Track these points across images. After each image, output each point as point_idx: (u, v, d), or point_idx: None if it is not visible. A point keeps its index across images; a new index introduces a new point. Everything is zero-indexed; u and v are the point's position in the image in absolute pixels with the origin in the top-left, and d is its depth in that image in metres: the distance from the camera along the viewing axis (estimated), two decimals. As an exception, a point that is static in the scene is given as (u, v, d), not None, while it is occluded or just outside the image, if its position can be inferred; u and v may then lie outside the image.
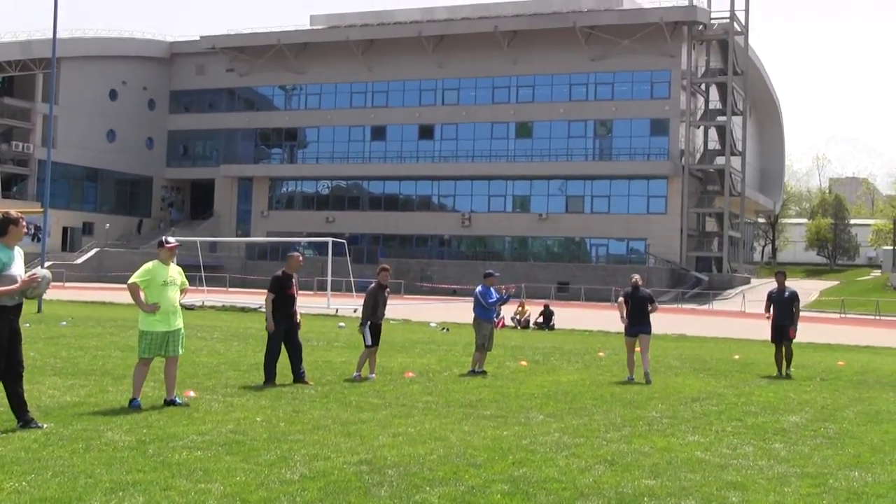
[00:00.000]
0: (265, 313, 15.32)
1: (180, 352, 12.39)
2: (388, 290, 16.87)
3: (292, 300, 15.23)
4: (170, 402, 12.01)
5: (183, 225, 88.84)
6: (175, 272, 12.29)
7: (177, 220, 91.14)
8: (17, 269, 9.71)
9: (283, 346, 15.03)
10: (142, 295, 12.08)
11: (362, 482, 8.06)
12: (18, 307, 9.81)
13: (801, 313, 20.61)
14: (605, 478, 8.59)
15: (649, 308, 17.79)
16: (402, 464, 8.85)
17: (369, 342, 16.25)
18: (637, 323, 17.79)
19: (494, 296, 18.24)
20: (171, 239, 12.51)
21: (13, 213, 9.93)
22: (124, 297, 47.66)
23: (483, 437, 10.49)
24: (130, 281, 12.04)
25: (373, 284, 16.68)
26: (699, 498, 7.91)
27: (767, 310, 19.86)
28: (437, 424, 11.30)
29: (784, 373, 19.03)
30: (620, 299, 18.03)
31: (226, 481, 7.92)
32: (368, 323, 16.30)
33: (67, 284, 62.72)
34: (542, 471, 8.79)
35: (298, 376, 14.91)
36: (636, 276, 18.31)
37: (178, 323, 12.27)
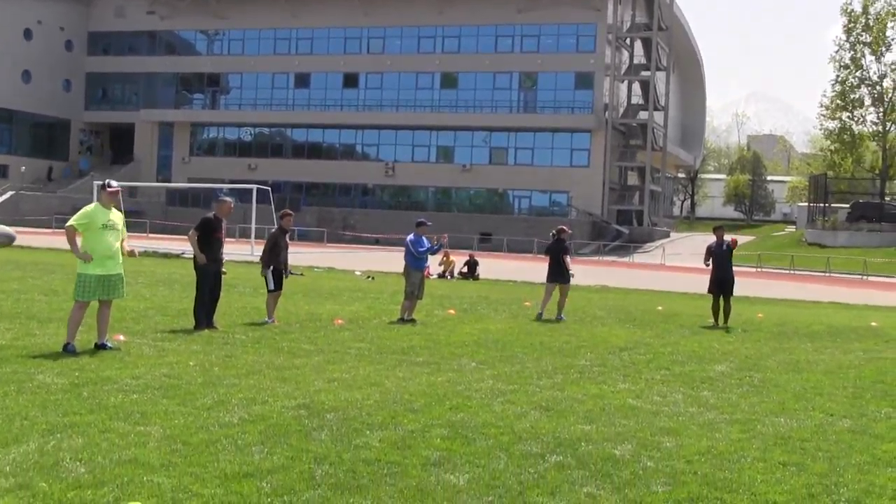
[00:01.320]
0: (193, 251, 15.03)
1: (121, 296, 12.33)
2: (288, 234, 16.87)
3: (219, 244, 15.08)
4: (100, 346, 11.87)
5: (102, 169, 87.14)
6: (116, 217, 12.07)
7: (86, 171, 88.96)
8: None
9: None
10: (78, 240, 11.85)
11: (302, 426, 8.08)
12: None
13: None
14: (542, 423, 8.71)
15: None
16: (340, 408, 8.88)
17: (272, 286, 16.30)
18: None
19: (426, 244, 18.28)
20: (113, 182, 12.25)
21: None
22: (43, 240, 46.83)
23: (418, 384, 10.56)
24: (68, 224, 11.78)
25: (274, 229, 16.64)
26: (635, 443, 8.07)
27: (707, 262, 20.25)
28: (371, 370, 11.34)
29: (721, 324, 19.49)
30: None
31: (165, 424, 7.88)
32: (271, 267, 16.25)
33: (-18, 228, 61.23)
34: (479, 416, 8.88)
35: (209, 321, 14.79)
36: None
37: (118, 268, 12.10)
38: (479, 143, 79.84)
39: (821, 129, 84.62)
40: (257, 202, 45.93)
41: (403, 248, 18.46)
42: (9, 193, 79.30)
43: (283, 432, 7.81)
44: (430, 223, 19.05)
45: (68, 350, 11.54)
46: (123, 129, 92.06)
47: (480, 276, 35.94)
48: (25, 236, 51.21)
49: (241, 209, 63.93)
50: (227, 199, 15.70)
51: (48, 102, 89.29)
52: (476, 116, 79.49)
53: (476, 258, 37.29)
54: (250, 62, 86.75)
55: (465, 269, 36.48)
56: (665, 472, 7.18)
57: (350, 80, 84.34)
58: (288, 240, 16.82)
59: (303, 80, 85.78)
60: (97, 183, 41.71)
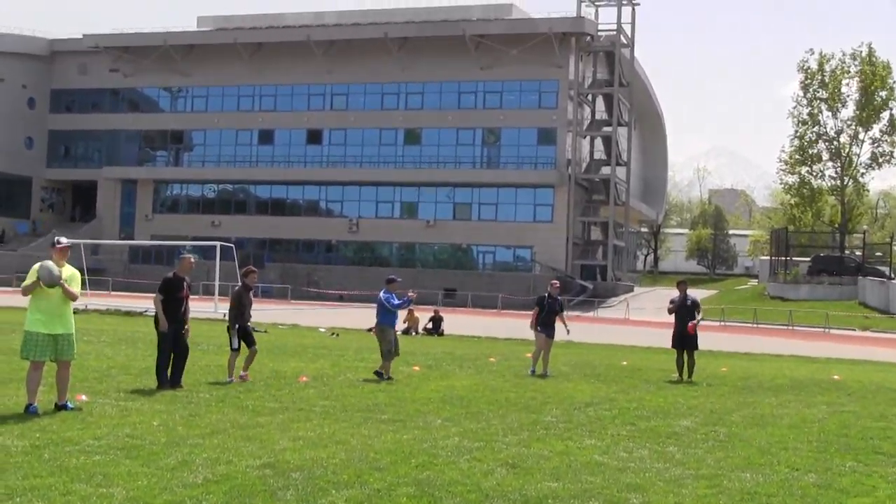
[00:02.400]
0: (156, 313, 14.96)
1: (71, 357, 12.00)
2: (252, 291, 16.78)
3: (180, 303, 14.95)
4: (61, 407, 11.73)
5: (63, 227, 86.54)
6: (66, 274, 11.80)
7: (23, 234, 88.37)
8: None
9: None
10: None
11: (267, 486, 8.01)
12: None
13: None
14: (508, 481, 8.69)
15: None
16: (306, 467, 8.82)
17: (235, 345, 16.18)
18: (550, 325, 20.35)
19: (396, 300, 18.25)
20: (62, 239, 12.13)
21: None
22: (2, 300, 46.30)
23: (384, 441, 10.51)
24: (23, 285, 11.67)
25: (238, 286, 16.57)
26: (602, 500, 8.06)
27: (671, 314, 20.36)
28: (336, 428, 11.29)
29: (685, 379, 19.58)
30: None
31: (127, 486, 7.79)
32: (237, 326, 16.16)
33: (-59, 287, 60.65)
34: (445, 474, 8.85)
35: (175, 380, 14.65)
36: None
37: (67, 327, 11.82)
38: (442, 198, 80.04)
39: (781, 184, 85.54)
40: (221, 259, 45.71)
41: (376, 306, 18.37)
42: (-32, 252, 78.54)
43: (249, 493, 7.74)
44: (400, 279, 19.02)
45: (30, 411, 11.39)
46: (86, 187, 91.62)
47: (445, 332, 35.89)
48: (-15, 295, 50.69)
49: (204, 266, 63.80)
50: (188, 255, 15.61)
51: (10, 159, 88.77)
52: (440, 172, 79.77)
53: (440, 314, 37.26)
54: (214, 119, 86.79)
55: (429, 325, 36.41)
56: (632, 528, 7.17)
57: (314, 137, 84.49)
58: (251, 296, 16.71)
59: (266, 137, 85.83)
60: (83, 242, 41.56)
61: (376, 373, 17.67)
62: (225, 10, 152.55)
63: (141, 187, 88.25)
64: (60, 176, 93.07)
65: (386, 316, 18.15)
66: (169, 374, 14.71)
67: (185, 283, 15.02)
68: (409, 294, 19.04)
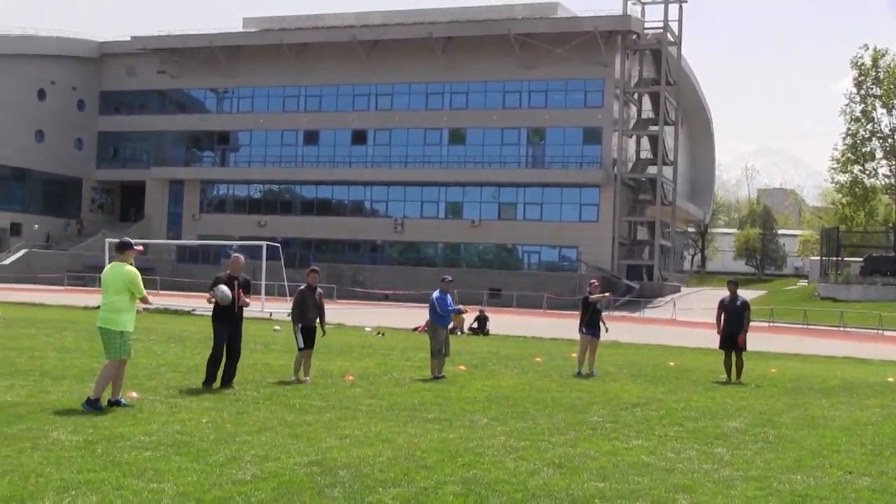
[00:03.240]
0: (217, 297, 14.74)
1: (131, 356, 12.46)
2: (318, 292, 16.67)
3: (232, 304, 14.96)
4: (114, 403, 11.88)
5: (113, 227, 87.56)
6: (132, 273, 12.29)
7: (67, 233, 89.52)
8: None
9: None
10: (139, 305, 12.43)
11: (315, 483, 8.05)
12: None
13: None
14: (555, 480, 8.66)
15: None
16: (353, 465, 8.85)
17: (301, 345, 16.18)
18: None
19: (450, 302, 18.27)
20: (136, 241, 12.50)
21: None
22: (55, 297, 46.89)
23: (430, 440, 10.52)
24: (144, 295, 12.31)
25: (301, 286, 16.59)
26: (649, 500, 8.02)
27: (719, 318, 20.08)
28: (382, 427, 11.31)
29: (733, 380, 19.39)
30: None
31: (178, 481, 7.86)
32: (300, 325, 16.19)
33: (-7, 286, 61.55)
34: (491, 473, 8.84)
35: (226, 381, 14.69)
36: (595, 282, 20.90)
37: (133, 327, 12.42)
38: (487, 198, 80.00)
39: (832, 183, 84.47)
40: (267, 259, 45.99)
41: (428, 305, 18.40)
42: (22, 252, 79.66)
43: (296, 489, 7.78)
44: (451, 279, 18.96)
45: (96, 406, 11.55)
46: (134, 187, 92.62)
47: (490, 332, 35.88)
48: (36, 293, 51.42)
49: (251, 266, 64.10)
50: (238, 255, 15.61)
51: (61, 161, 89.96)
52: (484, 172, 79.74)
53: (486, 313, 37.25)
54: (259, 119, 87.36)
55: (475, 325, 36.42)
56: (681, 529, 7.12)
57: (358, 137, 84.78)
58: (318, 297, 16.61)
59: (312, 137, 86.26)
60: (110, 241, 42.01)
61: (435, 376, 17.70)
62: (270, 12, 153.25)
63: (188, 187, 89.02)
64: (109, 177, 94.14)
65: (437, 316, 18.19)
66: (220, 376, 14.71)
67: (236, 283, 15.02)
68: (462, 308, 18.92)
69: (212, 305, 14.88)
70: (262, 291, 44.68)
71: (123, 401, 12.05)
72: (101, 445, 9.24)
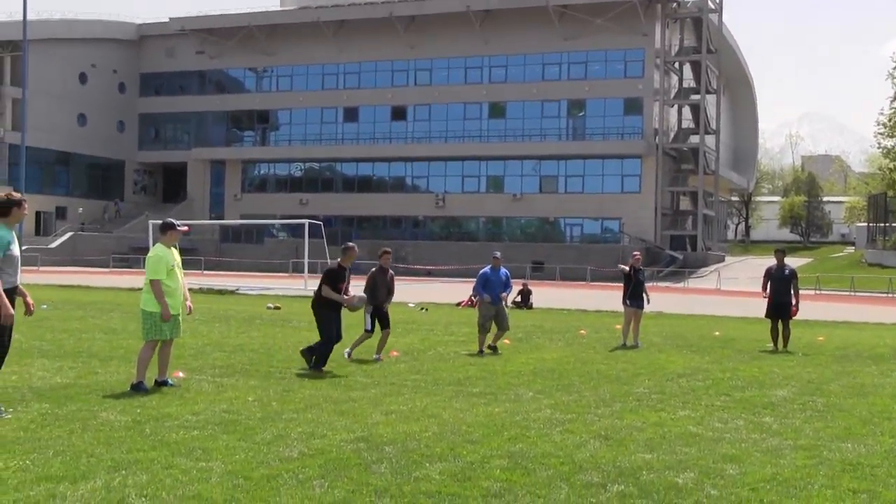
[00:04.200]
0: (333, 299, 14.49)
1: (178, 335, 12.43)
2: (390, 273, 16.43)
3: (339, 292, 14.61)
4: (161, 383, 11.97)
5: (156, 209, 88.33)
6: (178, 256, 12.21)
7: (122, 211, 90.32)
8: (17, 249, 9.64)
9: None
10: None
11: (361, 459, 8.07)
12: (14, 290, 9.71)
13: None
14: (602, 452, 8.63)
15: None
16: (399, 441, 8.86)
17: (368, 327, 15.98)
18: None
19: (502, 280, 18.20)
20: (180, 222, 12.46)
21: (16, 194, 9.83)
22: (101, 280, 47.41)
23: (475, 414, 10.52)
24: (153, 278, 11.78)
25: (373, 268, 16.42)
26: (697, 470, 7.96)
27: (765, 287, 19.98)
28: (428, 402, 11.32)
29: (780, 349, 19.24)
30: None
31: (226, 459, 7.92)
32: (371, 308, 16.01)
33: (42, 269, 62.35)
34: (538, 446, 8.82)
35: (320, 365, 14.28)
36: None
37: (180, 307, 12.19)
38: (528, 171, 79.83)
39: (879, 148, 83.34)
40: (309, 237, 46.18)
41: (476, 280, 18.41)
42: (67, 235, 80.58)
43: (343, 466, 7.81)
44: (498, 254, 18.83)
45: (141, 388, 11.56)
46: (176, 168, 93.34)
47: (534, 305, 35.82)
48: (82, 276, 52.02)
49: (293, 244, 64.59)
50: (353, 244, 15.28)
51: (103, 144, 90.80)
52: (525, 145, 79.49)
53: (529, 287, 37.18)
54: (299, 98, 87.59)
55: (518, 299, 36.34)
56: (729, 500, 7.08)
57: (398, 113, 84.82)
58: (389, 278, 16.40)
59: (351, 114, 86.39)
60: (153, 222, 42.45)
61: (490, 346, 17.71)
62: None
63: (229, 167, 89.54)
64: (151, 158, 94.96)
65: (486, 291, 18.13)
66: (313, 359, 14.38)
67: (347, 274, 14.84)
68: (505, 296, 18.65)
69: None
70: (306, 269, 44.90)
71: (170, 381, 12.13)
72: (149, 425, 9.32)
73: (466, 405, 11.18)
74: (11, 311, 9.37)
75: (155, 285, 11.75)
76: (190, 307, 12.48)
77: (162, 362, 12.14)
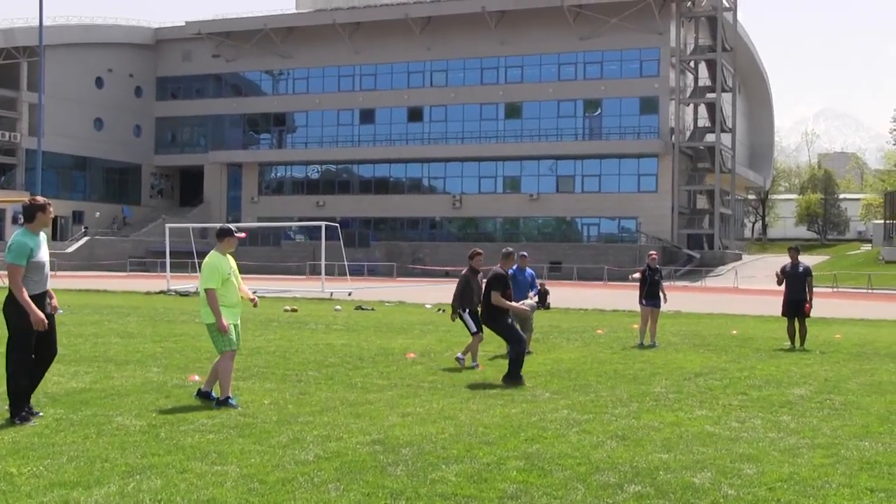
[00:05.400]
0: (504, 307, 14.03)
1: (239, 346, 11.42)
2: (480, 275, 15.80)
3: (509, 298, 14.22)
4: (205, 395, 11.21)
5: (173, 212, 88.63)
6: (234, 263, 11.34)
7: (129, 218, 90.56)
8: (44, 254, 9.61)
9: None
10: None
11: (377, 461, 8.07)
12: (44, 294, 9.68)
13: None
14: (619, 452, 8.61)
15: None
16: (415, 443, 8.85)
17: (473, 329, 15.58)
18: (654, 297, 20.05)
19: (528, 280, 18.24)
20: (235, 226, 11.75)
21: (40, 199, 9.79)
22: (117, 284, 47.56)
23: (492, 416, 10.50)
24: (208, 286, 10.91)
25: (465, 270, 16.07)
26: (714, 470, 7.93)
27: (780, 284, 19.97)
28: (444, 404, 11.30)
29: (797, 347, 19.20)
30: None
31: (241, 463, 7.92)
32: (467, 310, 15.69)
33: (59, 273, 62.59)
34: (554, 447, 8.80)
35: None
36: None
37: (239, 316, 11.35)
38: (545, 171, 79.76)
39: (895, 145, 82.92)
40: (326, 239, 46.23)
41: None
42: (84, 239, 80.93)
43: (359, 468, 7.80)
44: (520, 253, 18.49)
45: (228, 404, 10.79)
46: (193, 171, 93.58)
47: (551, 305, 35.76)
48: (99, 280, 52.21)
49: (310, 246, 64.52)
50: (512, 249, 15.16)
51: (119, 148, 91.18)
52: (541, 145, 79.40)
53: (546, 287, 37.11)
54: (315, 100, 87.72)
55: (535, 299, 36.27)
56: (747, 499, 7.05)
57: (414, 114, 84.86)
58: (480, 280, 15.67)
59: (368, 116, 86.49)
60: (169, 226, 42.60)
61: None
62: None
63: (246, 170, 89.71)
64: (168, 162, 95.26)
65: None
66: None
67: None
68: (526, 305, 18.28)
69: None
70: (322, 271, 44.94)
71: (213, 394, 11.20)
72: (164, 430, 9.32)
73: (483, 406, 11.16)
74: (41, 315, 9.33)
75: (209, 294, 10.87)
76: (255, 300, 11.68)
77: (213, 374, 11.24)
